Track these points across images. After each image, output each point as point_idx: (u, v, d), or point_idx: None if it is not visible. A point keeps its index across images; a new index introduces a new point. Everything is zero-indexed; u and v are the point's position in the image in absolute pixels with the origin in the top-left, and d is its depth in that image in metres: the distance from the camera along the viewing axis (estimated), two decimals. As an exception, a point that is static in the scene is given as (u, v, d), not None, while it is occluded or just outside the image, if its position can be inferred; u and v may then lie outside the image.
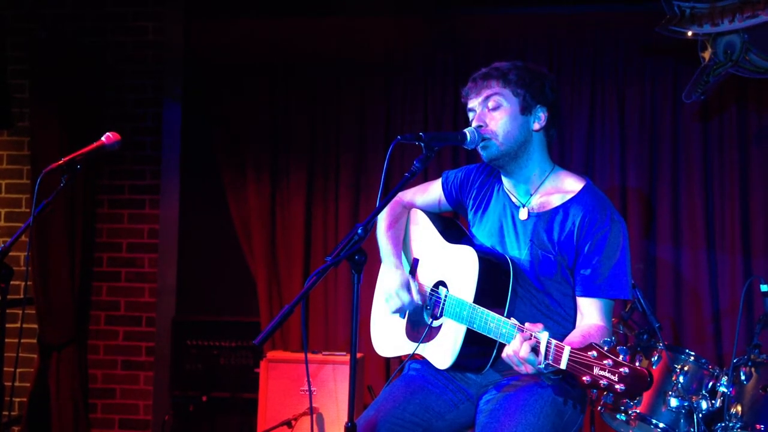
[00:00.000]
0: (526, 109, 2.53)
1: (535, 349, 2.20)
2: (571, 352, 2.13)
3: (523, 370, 2.24)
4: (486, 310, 2.40)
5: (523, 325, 2.28)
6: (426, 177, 4.66)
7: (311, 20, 5.02)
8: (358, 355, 2.44)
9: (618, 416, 3.66)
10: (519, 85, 2.52)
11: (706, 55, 4.38)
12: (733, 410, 3.48)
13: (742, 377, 3.52)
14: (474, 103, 2.58)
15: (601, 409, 3.73)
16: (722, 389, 3.51)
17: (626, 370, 2.03)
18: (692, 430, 3.51)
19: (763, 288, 3.65)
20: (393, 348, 2.77)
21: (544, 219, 2.53)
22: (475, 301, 2.45)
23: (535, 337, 2.21)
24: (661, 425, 3.53)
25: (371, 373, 4.71)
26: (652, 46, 4.67)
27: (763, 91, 4.56)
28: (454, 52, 4.90)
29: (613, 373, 2.04)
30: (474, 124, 2.55)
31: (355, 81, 4.99)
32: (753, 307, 4.44)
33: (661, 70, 4.69)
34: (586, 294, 2.47)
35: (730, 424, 3.45)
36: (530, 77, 2.53)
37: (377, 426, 2.46)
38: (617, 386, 2.04)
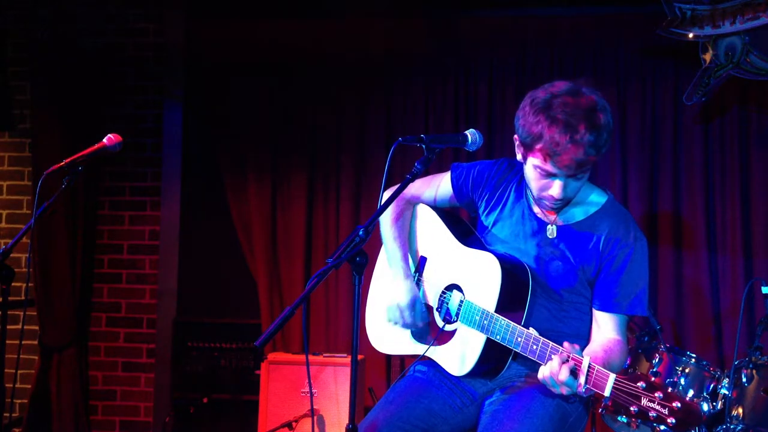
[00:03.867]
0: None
1: (573, 372, 2.18)
2: (616, 380, 2.12)
3: (558, 391, 2.22)
4: (510, 322, 2.36)
5: (558, 344, 2.26)
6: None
7: (311, 21, 5.02)
8: (359, 356, 2.43)
9: (619, 418, 3.64)
10: (606, 152, 2.38)
11: (707, 57, 4.38)
12: (734, 412, 3.48)
13: (744, 379, 3.52)
14: (559, 171, 2.33)
15: (602, 411, 3.73)
16: (723, 391, 3.51)
17: (678, 404, 2.03)
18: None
19: (765, 290, 3.65)
20: (394, 345, 2.74)
21: (568, 232, 2.49)
22: (496, 311, 2.41)
23: (573, 357, 2.19)
24: (662, 427, 3.53)
25: (372, 375, 4.71)
26: (653, 48, 4.67)
27: (764, 92, 4.56)
28: (455, 53, 4.90)
29: (664, 407, 2.04)
30: (555, 191, 2.36)
31: (355, 82, 4.99)
32: (754, 309, 4.43)
33: (662, 71, 4.69)
34: (606, 309, 2.46)
35: (732, 426, 3.45)
36: (611, 136, 2.36)
37: (382, 428, 2.43)
38: (669, 419, 2.03)
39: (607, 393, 2.12)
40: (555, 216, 2.50)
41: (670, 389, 2.06)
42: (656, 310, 4.44)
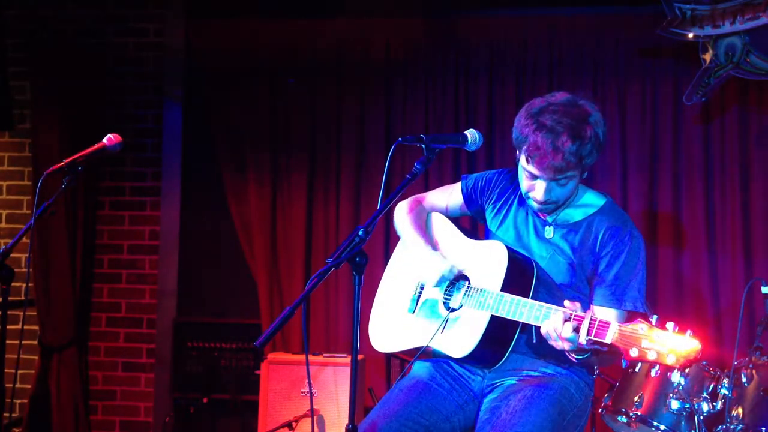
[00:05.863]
0: (583, 174, 2.54)
1: (575, 328, 2.25)
2: (617, 328, 2.18)
3: (559, 345, 2.30)
4: (515, 296, 2.43)
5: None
6: (426, 178, 4.68)
7: (312, 21, 5.02)
8: (359, 356, 2.43)
9: (619, 418, 3.66)
10: (591, 163, 2.48)
11: (707, 57, 4.38)
12: (734, 412, 3.48)
13: (743, 379, 3.52)
14: (540, 174, 2.46)
15: (602, 410, 3.73)
16: (723, 391, 3.51)
17: (678, 341, 2.06)
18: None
19: (764, 290, 3.65)
20: (396, 343, 2.76)
21: (567, 231, 2.57)
22: (502, 290, 2.47)
23: (576, 315, 2.26)
24: (662, 427, 3.53)
25: (372, 375, 4.71)
26: (653, 48, 4.67)
27: (764, 92, 4.56)
28: (455, 54, 4.90)
29: (664, 345, 2.07)
30: (538, 192, 2.47)
31: (355, 82, 4.99)
32: (754, 309, 4.43)
33: (662, 72, 4.69)
34: (603, 304, 2.52)
35: (731, 426, 3.44)
36: (599, 150, 2.47)
37: (382, 428, 2.45)
38: (668, 357, 2.06)
39: (608, 340, 2.18)
40: (554, 217, 2.59)
41: (672, 330, 2.09)
42: (656, 310, 4.43)
